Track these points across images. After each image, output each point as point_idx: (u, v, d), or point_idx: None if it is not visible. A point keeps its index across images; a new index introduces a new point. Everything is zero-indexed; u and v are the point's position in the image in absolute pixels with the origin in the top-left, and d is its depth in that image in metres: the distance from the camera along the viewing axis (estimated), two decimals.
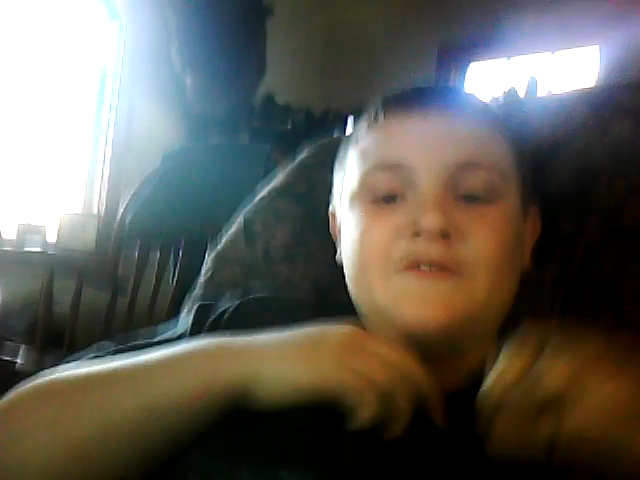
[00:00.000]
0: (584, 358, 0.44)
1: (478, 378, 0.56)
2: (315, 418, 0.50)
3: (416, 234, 0.55)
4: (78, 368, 0.56)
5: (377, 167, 0.60)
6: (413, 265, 0.55)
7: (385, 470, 0.49)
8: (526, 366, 0.44)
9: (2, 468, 0.51)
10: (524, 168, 0.64)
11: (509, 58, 3.44)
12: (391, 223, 0.57)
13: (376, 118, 0.63)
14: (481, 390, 0.46)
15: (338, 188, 0.68)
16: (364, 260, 0.59)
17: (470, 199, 0.57)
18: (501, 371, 0.45)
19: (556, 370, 0.43)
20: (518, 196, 0.61)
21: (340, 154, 0.69)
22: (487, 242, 0.55)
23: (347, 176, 0.65)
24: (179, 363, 0.52)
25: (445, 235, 0.54)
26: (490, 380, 0.46)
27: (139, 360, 0.53)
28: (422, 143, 0.59)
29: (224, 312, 0.66)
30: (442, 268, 0.54)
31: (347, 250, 0.63)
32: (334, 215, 0.70)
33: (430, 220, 0.54)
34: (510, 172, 0.61)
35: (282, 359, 0.50)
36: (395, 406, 0.48)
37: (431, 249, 0.54)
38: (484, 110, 0.65)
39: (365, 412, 0.47)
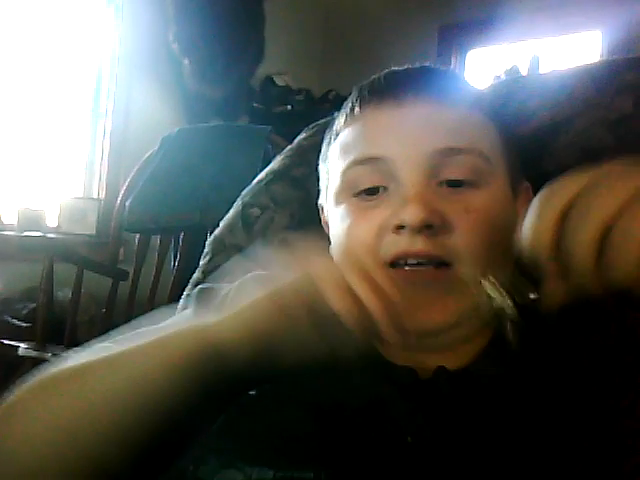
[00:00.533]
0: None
1: (482, 356, 0.56)
2: (317, 419, 0.49)
3: (399, 228, 0.54)
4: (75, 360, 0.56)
5: (357, 162, 0.59)
6: (399, 259, 0.54)
7: (387, 470, 0.48)
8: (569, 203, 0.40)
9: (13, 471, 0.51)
10: (509, 145, 0.62)
11: (510, 43, 3.40)
12: (375, 219, 0.56)
13: (352, 110, 0.62)
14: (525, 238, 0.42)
15: (323, 183, 0.68)
16: (350, 258, 0.56)
17: (454, 184, 0.56)
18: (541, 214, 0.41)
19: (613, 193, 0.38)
20: (505, 176, 0.59)
21: (323, 148, 0.69)
22: (473, 229, 0.54)
23: (330, 172, 0.64)
24: (153, 341, 0.52)
25: (429, 227, 0.53)
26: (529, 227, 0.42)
27: (121, 347, 0.53)
28: (398, 134, 0.58)
29: (226, 295, 0.65)
30: (430, 261, 0.53)
31: (334, 246, 0.62)
32: (323, 208, 0.70)
33: (412, 213, 0.52)
34: (494, 152, 0.59)
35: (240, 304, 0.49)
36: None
37: (415, 242, 0.53)
38: (462, 91, 0.63)
39: (337, 299, 0.45)
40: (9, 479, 0.50)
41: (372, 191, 0.58)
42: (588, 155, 0.71)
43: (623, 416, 0.51)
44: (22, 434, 0.51)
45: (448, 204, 0.55)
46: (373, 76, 0.64)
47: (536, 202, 0.43)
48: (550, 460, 0.47)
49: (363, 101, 0.61)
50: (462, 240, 0.54)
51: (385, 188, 0.57)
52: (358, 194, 0.59)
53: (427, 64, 0.65)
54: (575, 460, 0.47)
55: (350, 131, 0.62)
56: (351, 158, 0.60)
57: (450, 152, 0.56)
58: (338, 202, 0.61)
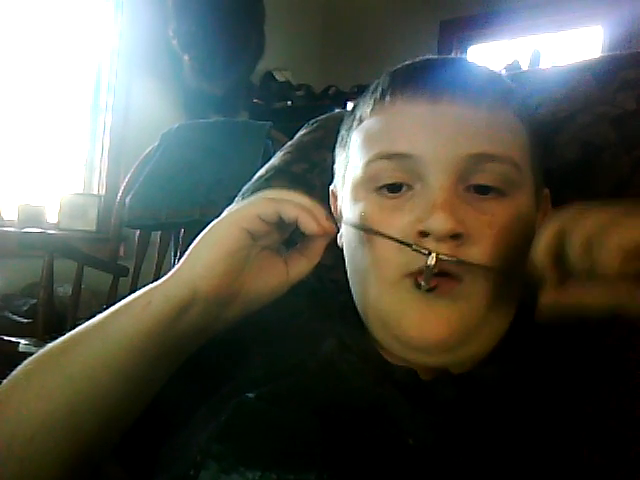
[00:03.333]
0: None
1: (487, 361, 0.56)
2: (317, 421, 0.49)
3: (424, 234, 0.51)
4: None
5: (382, 156, 0.56)
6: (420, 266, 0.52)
7: (388, 472, 0.47)
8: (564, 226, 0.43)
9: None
10: (538, 153, 0.60)
11: (511, 38, 3.38)
12: (397, 222, 0.54)
13: (382, 98, 0.58)
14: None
15: (340, 170, 0.65)
16: (369, 260, 0.55)
17: (481, 190, 0.54)
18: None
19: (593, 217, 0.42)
20: (531, 185, 0.57)
21: (342, 132, 0.66)
22: (494, 246, 0.52)
23: (350, 160, 0.61)
24: (126, 303, 0.54)
25: (455, 237, 0.51)
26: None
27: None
28: (432, 132, 0.54)
29: None
30: (446, 273, 0.51)
31: (350, 242, 0.59)
32: (335, 194, 0.67)
33: (440, 222, 0.50)
34: (525, 162, 0.56)
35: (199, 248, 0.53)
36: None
37: (440, 250, 0.50)
38: (502, 92, 0.58)
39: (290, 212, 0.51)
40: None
41: (395, 187, 0.55)
42: (590, 151, 0.71)
43: (623, 418, 0.51)
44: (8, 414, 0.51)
45: (473, 214, 0.52)
46: (406, 62, 0.60)
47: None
48: (551, 464, 0.47)
49: (395, 90, 0.57)
50: (480, 255, 0.52)
51: (409, 187, 0.55)
52: (379, 189, 0.56)
53: (463, 57, 0.62)
54: (577, 464, 0.47)
55: (377, 121, 0.58)
56: (376, 151, 0.56)
57: (483, 158, 0.53)
58: (357, 197, 0.58)
